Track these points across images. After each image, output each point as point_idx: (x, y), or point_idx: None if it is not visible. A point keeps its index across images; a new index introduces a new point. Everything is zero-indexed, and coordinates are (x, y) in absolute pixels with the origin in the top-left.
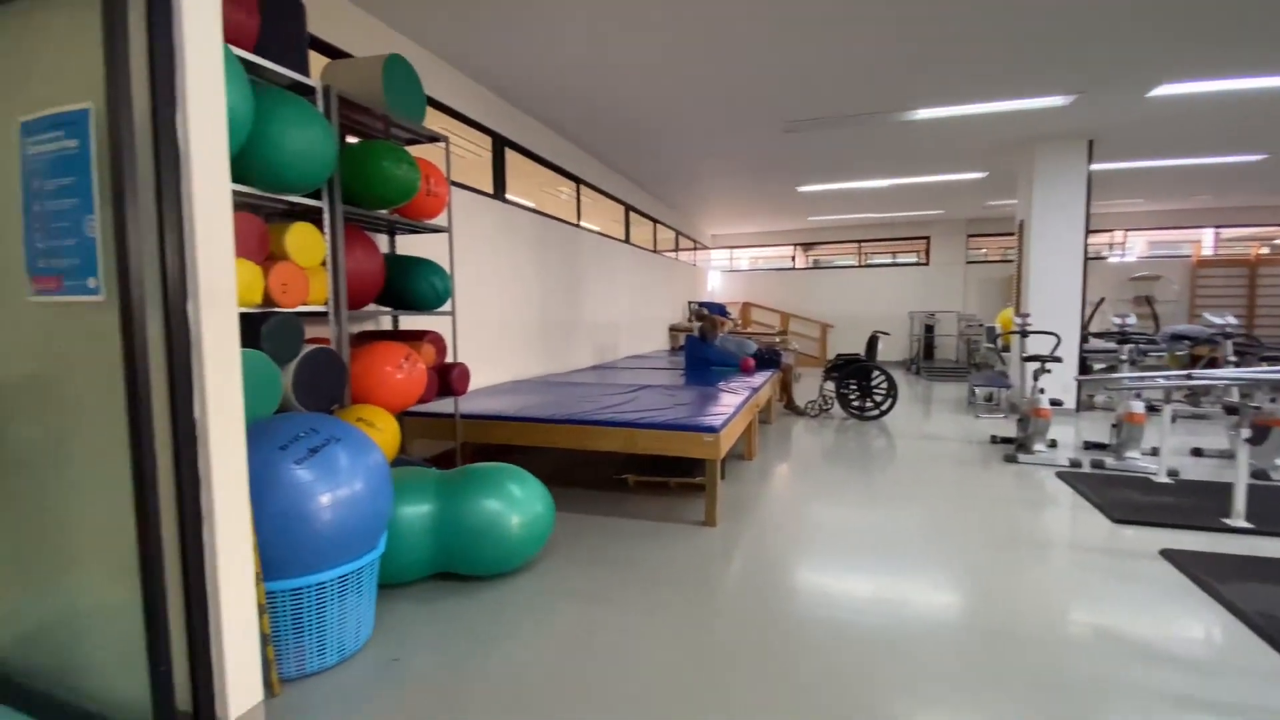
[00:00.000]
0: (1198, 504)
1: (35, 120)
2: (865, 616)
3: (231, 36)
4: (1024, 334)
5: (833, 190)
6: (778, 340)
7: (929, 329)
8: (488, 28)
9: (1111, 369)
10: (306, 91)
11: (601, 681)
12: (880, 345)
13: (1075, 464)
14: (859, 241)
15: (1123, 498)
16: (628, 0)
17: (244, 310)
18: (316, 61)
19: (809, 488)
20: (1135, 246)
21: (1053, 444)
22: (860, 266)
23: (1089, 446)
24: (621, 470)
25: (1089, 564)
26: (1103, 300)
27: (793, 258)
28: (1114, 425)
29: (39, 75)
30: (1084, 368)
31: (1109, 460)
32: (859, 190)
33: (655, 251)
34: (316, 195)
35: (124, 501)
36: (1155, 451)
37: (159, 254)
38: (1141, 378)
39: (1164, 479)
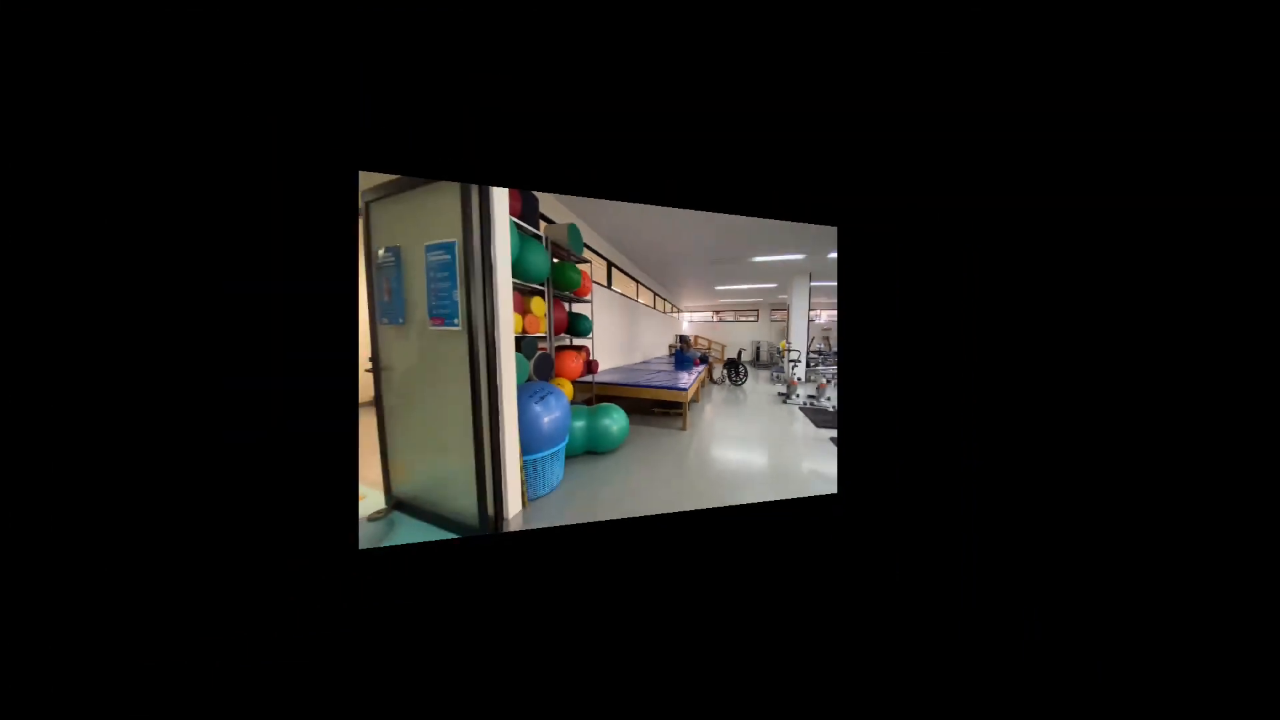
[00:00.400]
0: None
1: (431, 245)
2: (735, 464)
3: (510, 211)
4: (788, 350)
5: (726, 288)
6: (709, 351)
7: (758, 347)
8: (604, 218)
9: (818, 364)
10: (538, 237)
11: (645, 492)
12: (743, 354)
13: (805, 405)
14: (735, 310)
15: (820, 418)
16: (667, 212)
17: (515, 336)
18: (542, 223)
19: (719, 414)
20: (824, 315)
21: (797, 396)
22: (734, 321)
23: (810, 397)
24: (653, 406)
25: (809, 444)
26: (814, 338)
27: (714, 316)
28: (819, 387)
29: (431, 223)
30: (808, 364)
31: (818, 401)
32: (736, 289)
33: (664, 312)
34: (542, 284)
35: (466, 421)
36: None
37: (484, 309)
38: (827, 369)
39: (833, 409)
